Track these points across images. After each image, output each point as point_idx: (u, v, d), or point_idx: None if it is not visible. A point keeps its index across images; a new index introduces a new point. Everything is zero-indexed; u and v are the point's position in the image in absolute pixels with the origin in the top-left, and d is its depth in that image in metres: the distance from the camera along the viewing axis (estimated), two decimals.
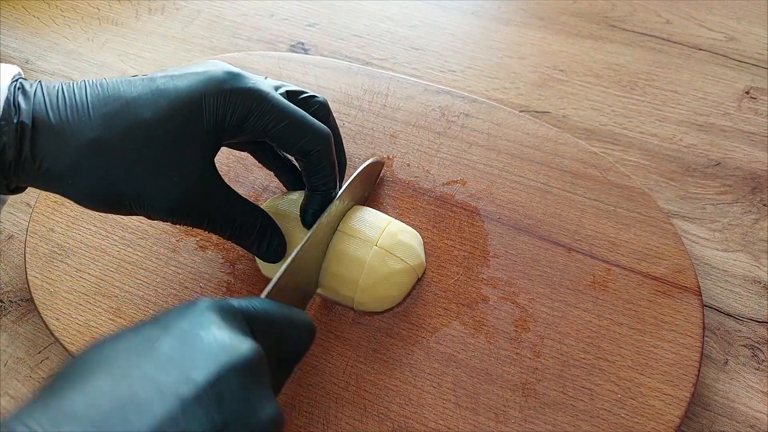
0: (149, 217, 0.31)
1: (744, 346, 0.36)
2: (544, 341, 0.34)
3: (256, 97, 0.31)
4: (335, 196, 0.35)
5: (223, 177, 0.32)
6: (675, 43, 0.52)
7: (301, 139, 0.32)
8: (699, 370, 0.33)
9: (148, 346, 0.21)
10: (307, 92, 0.35)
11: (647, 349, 0.34)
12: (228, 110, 0.30)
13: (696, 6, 0.55)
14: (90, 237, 0.40)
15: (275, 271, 0.30)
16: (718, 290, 0.38)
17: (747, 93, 0.48)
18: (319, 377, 0.34)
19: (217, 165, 0.31)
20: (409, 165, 0.42)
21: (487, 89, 0.50)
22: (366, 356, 0.34)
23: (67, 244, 0.39)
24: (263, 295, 0.28)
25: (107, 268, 0.38)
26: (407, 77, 0.47)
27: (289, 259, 0.30)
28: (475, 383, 0.33)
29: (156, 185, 0.29)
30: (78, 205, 0.40)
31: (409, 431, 0.32)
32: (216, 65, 0.31)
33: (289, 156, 0.38)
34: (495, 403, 0.32)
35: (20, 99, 0.28)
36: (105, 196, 0.29)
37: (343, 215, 0.36)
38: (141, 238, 0.39)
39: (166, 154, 0.29)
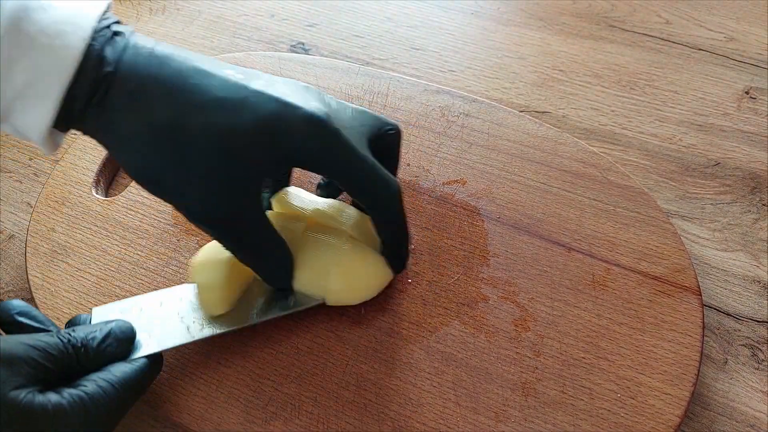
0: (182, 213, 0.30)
1: (744, 345, 0.36)
2: (543, 340, 0.34)
3: (335, 146, 0.29)
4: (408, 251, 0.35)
5: None
6: (675, 43, 0.52)
7: (364, 194, 0.31)
8: (699, 370, 0.33)
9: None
10: (386, 127, 0.34)
11: (647, 349, 0.34)
12: (305, 150, 0.29)
13: (696, 6, 0.55)
14: (91, 236, 0.40)
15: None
16: (717, 290, 0.38)
17: (747, 93, 0.48)
18: (320, 377, 0.34)
19: None
20: (409, 165, 0.43)
21: (487, 89, 0.50)
22: (366, 356, 0.34)
23: (68, 244, 0.39)
24: None
25: (108, 268, 0.38)
26: (407, 77, 0.47)
27: None
28: (475, 382, 0.33)
29: (197, 189, 0.28)
30: (78, 205, 0.41)
31: (409, 431, 0.32)
32: (311, 98, 0.30)
33: None
34: (495, 402, 0.32)
35: (107, 52, 0.27)
36: (144, 175, 0.29)
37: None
38: (142, 238, 0.40)
39: (222, 165, 0.28)
